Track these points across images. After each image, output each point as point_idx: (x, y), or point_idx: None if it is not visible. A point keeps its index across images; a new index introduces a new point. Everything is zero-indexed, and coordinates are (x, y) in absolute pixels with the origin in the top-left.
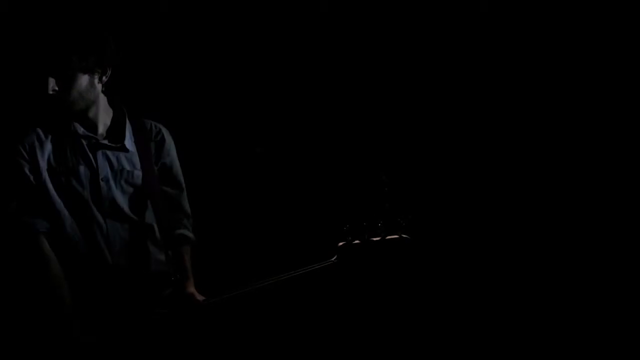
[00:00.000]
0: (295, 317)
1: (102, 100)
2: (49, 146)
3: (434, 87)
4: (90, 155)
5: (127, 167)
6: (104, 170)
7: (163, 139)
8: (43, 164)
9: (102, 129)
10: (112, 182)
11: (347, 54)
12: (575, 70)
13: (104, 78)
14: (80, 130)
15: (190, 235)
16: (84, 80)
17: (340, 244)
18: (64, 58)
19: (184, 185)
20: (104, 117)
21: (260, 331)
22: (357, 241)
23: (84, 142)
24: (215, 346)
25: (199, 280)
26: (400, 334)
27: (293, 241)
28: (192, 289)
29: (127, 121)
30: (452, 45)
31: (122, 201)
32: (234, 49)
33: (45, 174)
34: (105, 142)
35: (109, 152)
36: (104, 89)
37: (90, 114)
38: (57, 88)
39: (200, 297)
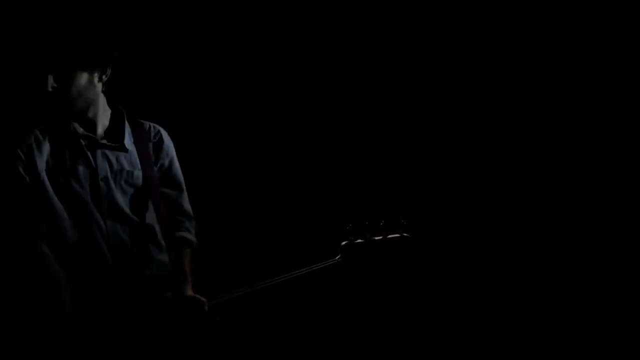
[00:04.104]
0: (298, 317)
1: (102, 100)
2: (47, 147)
3: (434, 86)
4: (89, 155)
5: (127, 167)
6: (104, 170)
7: (161, 140)
8: (41, 165)
9: (101, 129)
10: (111, 182)
11: (347, 54)
12: (575, 70)
13: (103, 77)
14: (80, 130)
15: (191, 237)
16: (83, 78)
17: (343, 243)
18: (63, 55)
19: (184, 186)
20: (103, 117)
21: (263, 331)
22: (359, 240)
23: (83, 142)
24: (219, 347)
25: (202, 280)
26: (402, 333)
27: (296, 241)
28: (190, 292)
29: (126, 122)
30: (452, 45)
31: (122, 201)
32: (234, 49)
33: (44, 175)
34: (104, 141)
35: (108, 152)
36: (104, 89)
37: (90, 114)
38: (56, 85)
39: (201, 299)
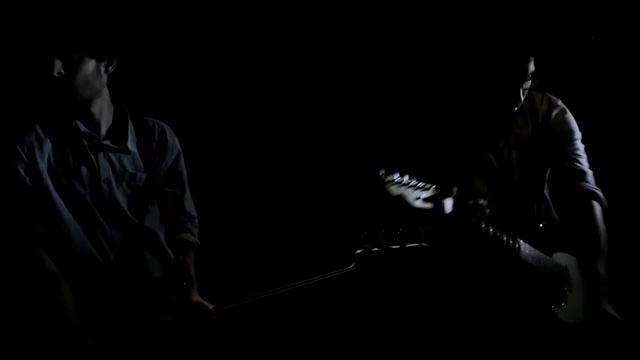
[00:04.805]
0: (311, 326)
1: (106, 94)
2: (48, 145)
3: (451, 90)
4: (92, 156)
5: (130, 169)
6: (106, 172)
7: (165, 138)
8: (42, 165)
9: (104, 128)
10: (113, 184)
11: (354, 55)
12: (574, 70)
13: (110, 68)
14: (82, 128)
15: (193, 239)
16: (90, 65)
17: (358, 251)
18: (72, 40)
19: (187, 185)
20: (107, 114)
21: (275, 339)
22: (375, 249)
23: (85, 143)
24: (226, 354)
25: (214, 287)
26: (418, 344)
27: (309, 248)
28: (197, 297)
29: (129, 122)
30: (452, 45)
31: (124, 204)
32: (237, 50)
33: (46, 175)
34: (107, 143)
35: (110, 154)
36: (109, 82)
37: (94, 109)
38: (62, 71)
39: (209, 306)
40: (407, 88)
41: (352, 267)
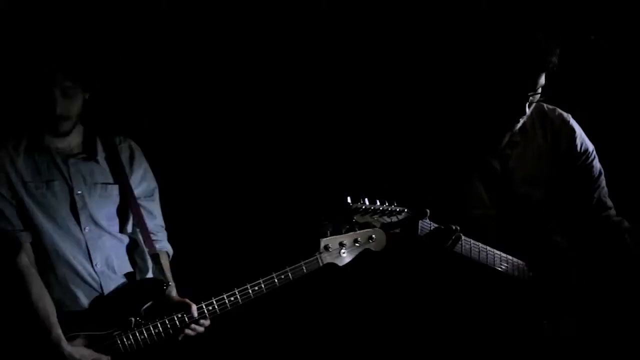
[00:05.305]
0: (285, 316)
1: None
2: (21, 160)
3: (433, 87)
4: (64, 170)
5: (101, 181)
6: (78, 185)
7: (133, 153)
8: (16, 180)
9: (74, 143)
10: (86, 197)
11: (347, 53)
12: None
13: (87, 95)
14: (54, 144)
15: (167, 245)
16: (80, 97)
17: (323, 239)
18: (71, 73)
19: (156, 195)
20: (77, 131)
21: (252, 332)
22: (336, 235)
23: (58, 157)
24: (209, 351)
25: (190, 286)
26: (391, 331)
27: (278, 240)
28: (177, 297)
29: (97, 137)
30: (452, 45)
31: (99, 215)
32: (226, 49)
33: (21, 189)
34: (79, 157)
35: (82, 167)
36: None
37: (67, 128)
38: (63, 105)
39: (194, 306)
40: (409, 90)
41: (318, 254)
